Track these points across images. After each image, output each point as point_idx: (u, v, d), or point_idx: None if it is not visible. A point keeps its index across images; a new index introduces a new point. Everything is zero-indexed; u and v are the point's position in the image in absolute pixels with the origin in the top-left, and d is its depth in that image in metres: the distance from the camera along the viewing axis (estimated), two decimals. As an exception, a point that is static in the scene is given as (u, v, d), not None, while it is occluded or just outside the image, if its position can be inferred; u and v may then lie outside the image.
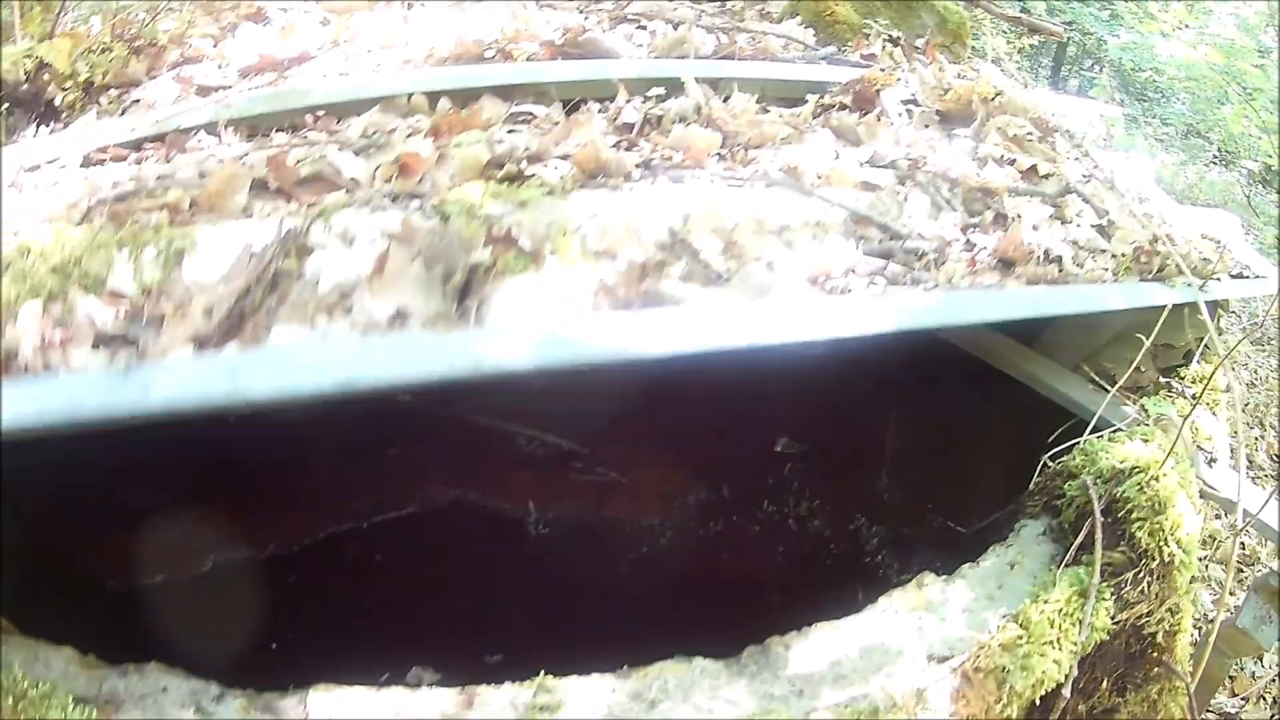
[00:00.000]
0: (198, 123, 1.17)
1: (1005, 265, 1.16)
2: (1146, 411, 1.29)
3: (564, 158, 0.99)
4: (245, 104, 1.19)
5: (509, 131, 1.19)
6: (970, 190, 1.33)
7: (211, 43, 1.51)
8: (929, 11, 2.14)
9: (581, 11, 1.72)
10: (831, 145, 1.30)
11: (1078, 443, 1.19)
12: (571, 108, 1.35)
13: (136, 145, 1.17)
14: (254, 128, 1.21)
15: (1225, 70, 7.60)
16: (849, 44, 1.90)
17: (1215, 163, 10.20)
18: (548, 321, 0.73)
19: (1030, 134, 1.63)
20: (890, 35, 2.01)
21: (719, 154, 1.18)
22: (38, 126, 1.37)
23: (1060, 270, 1.20)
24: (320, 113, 1.23)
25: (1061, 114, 2.13)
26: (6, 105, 1.37)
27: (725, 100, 1.41)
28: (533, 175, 0.93)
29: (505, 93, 1.31)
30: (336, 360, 0.66)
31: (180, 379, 0.65)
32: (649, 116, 1.27)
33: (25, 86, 1.41)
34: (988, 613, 0.95)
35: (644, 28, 1.77)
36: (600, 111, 1.29)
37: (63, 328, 0.66)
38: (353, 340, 0.68)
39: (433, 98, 1.27)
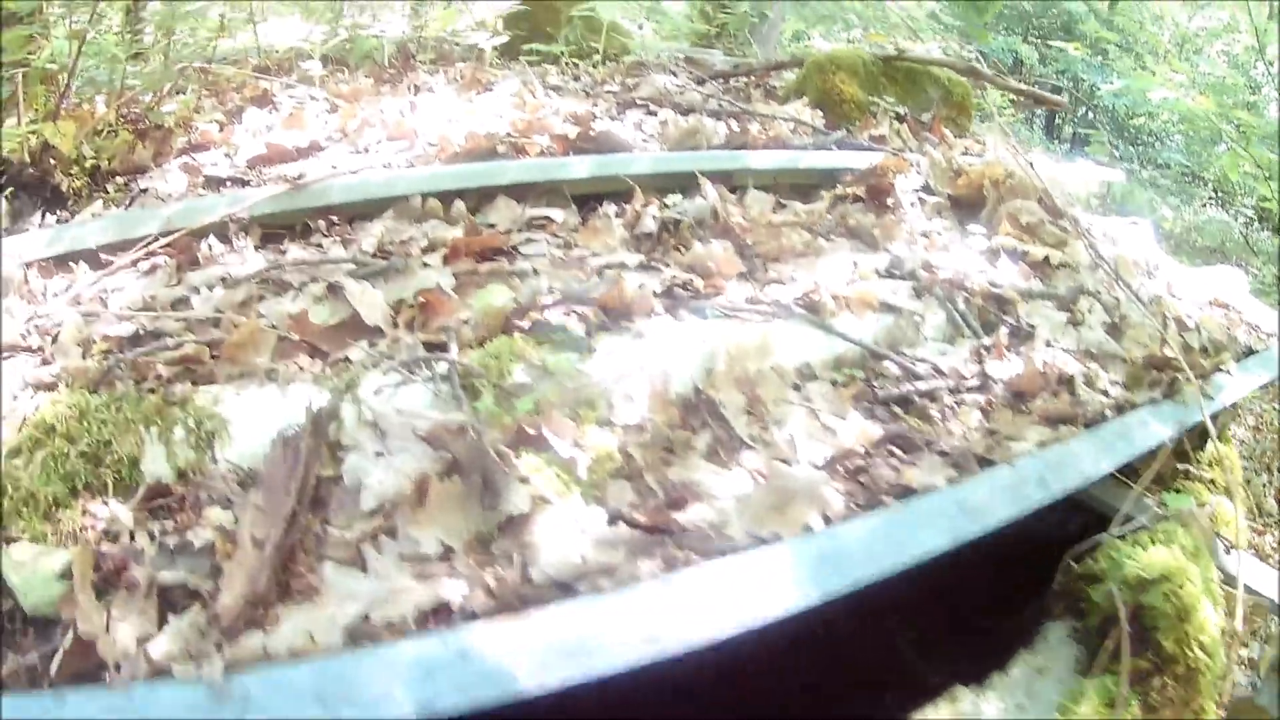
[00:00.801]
0: (209, 221, 1.13)
1: (1018, 399, 1.16)
2: (1166, 505, 1.29)
3: (589, 300, 0.97)
4: (257, 204, 1.15)
5: (527, 239, 1.17)
6: (986, 298, 1.32)
7: (218, 127, 1.47)
8: (934, 84, 2.14)
9: (590, 96, 1.70)
10: (848, 257, 1.28)
11: (1099, 541, 1.18)
12: (587, 204, 1.33)
13: (146, 245, 1.13)
14: (267, 227, 1.18)
15: (1218, 112, 7.71)
16: (857, 123, 1.89)
17: (1211, 203, 10.35)
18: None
19: (1040, 220, 1.63)
20: (897, 113, 2.01)
21: (740, 273, 1.16)
22: (43, 213, 1.33)
23: (1072, 396, 1.20)
24: (334, 216, 1.20)
25: (1065, 183, 2.15)
26: (10, 189, 1.33)
27: (740, 197, 1.39)
28: (559, 330, 0.91)
29: (520, 191, 1.28)
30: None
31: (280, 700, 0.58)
32: (666, 222, 1.25)
33: (30, 170, 1.36)
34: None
35: (653, 113, 1.75)
36: (617, 215, 1.27)
37: (126, 598, 0.61)
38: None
39: (447, 198, 1.24)
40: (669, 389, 0.92)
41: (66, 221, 1.29)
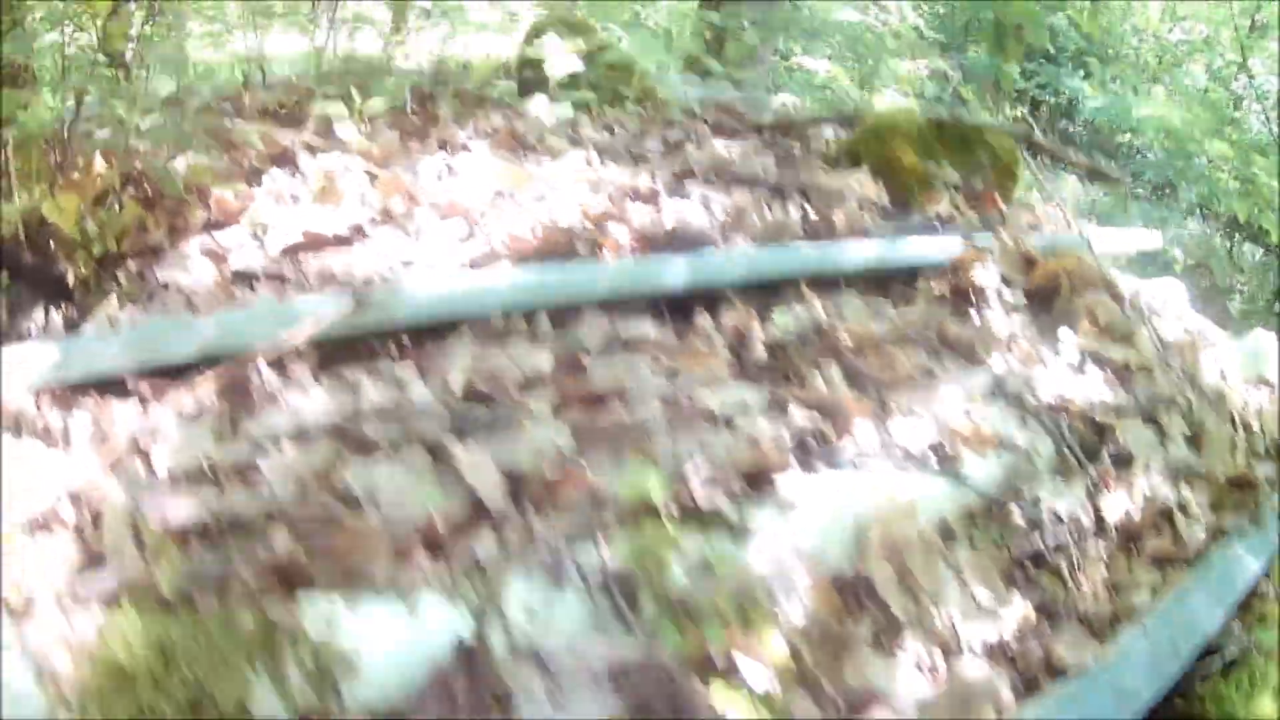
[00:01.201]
0: (253, 341, 0.99)
1: (1129, 540, 1.13)
2: (1259, 641, 1.29)
3: (731, 468, 0.88)
4: (311, 323, 1.00)
5: (628, 368, 1.07)
6: (1085, 421, 1.29)
7: (232, 195, 1.30)
8: (984, 148, 2.09)
9: (636, 158, 1.60)
10: (955, 379, 1.23)
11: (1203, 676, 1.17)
12: (677, 309, 1.23)
13: (178, 371, 0.97)
14: (321, 344, 1.04)
15: (1203, 128, 7.98)
16: (918, 195, 1.83)
17: (1193, 215, 10.67)
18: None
19: (1113, 315, 1.60)
20: (953, 184, 1.96)
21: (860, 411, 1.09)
22: (46, 309, 1.14)
23: (1174, 530, 1.18)
24: (404, 336, 1.07)
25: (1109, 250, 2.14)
26: (6, 280, 1.15)
27: (834, 299, 1.32)
28: (710, 511, 0.82)
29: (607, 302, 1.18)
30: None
31: None
32: (772, 344, 1.17)
33: (27, 255, 1.17)
34: None
35: (712, 182, 1.65)
36: (716, 329, 1.18)
37: None
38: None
39: (529, 312, 1.13)
40: (826, 571, 0.85)
41: (75, 322, 1.09)
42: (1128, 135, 8.70)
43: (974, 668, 0.84)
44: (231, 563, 0.73)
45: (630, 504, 0.81)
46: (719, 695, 0.68)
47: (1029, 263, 1.69)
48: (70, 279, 1.15)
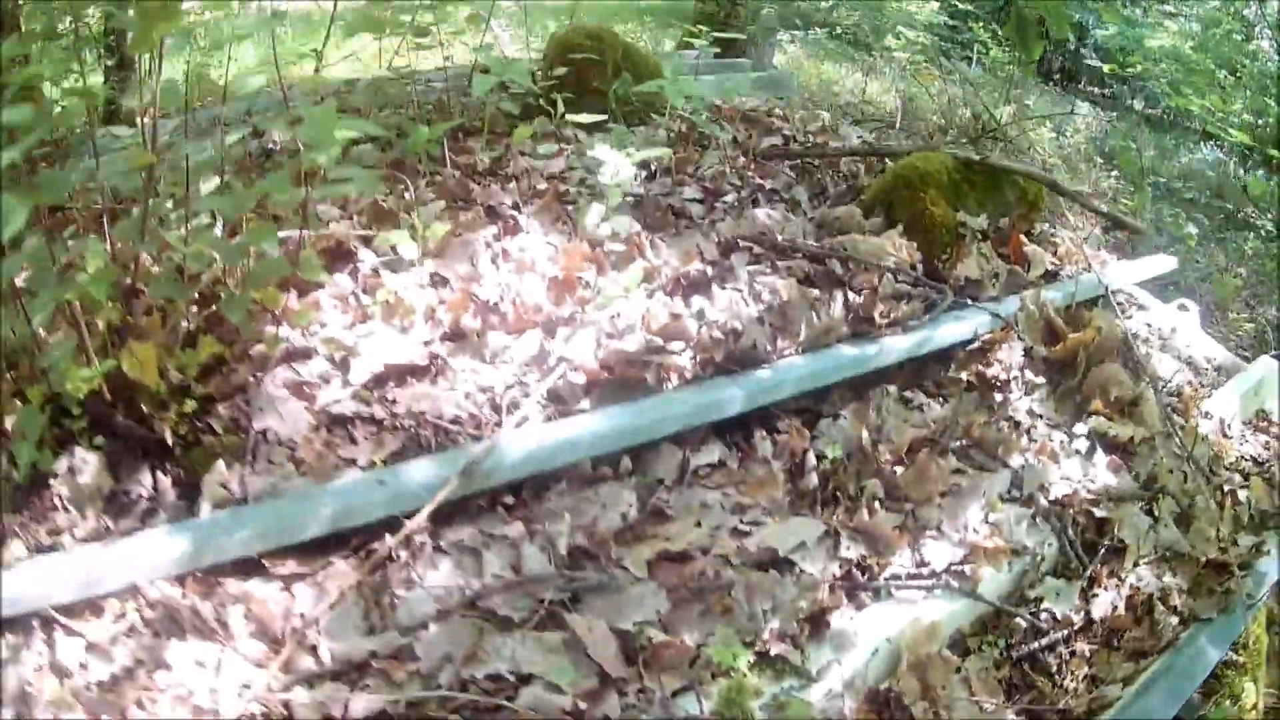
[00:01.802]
0: (374, 511, 1.18)
1: (1113, 635, 1.43)
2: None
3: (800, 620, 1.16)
4: (428, 497, 1.21)
5: (702, 504, 1.31)
6: (1087, 517, 1.57)
7: (297, 295, 1.46)
8: (1011, 187, 2.28)
9: (687, 224, 1.77)
10: (979, 485, 1.49)
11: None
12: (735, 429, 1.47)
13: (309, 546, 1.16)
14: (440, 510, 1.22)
15: (1214, 58, 8.03)
16: (949, 251, 2.04)
17: (1201, 142, 10.76)
18: None
19: (1125, 394, 1.85)
20: (979, 229, 2.15)
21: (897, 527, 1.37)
22: (154, 474, 1.26)
23: (1152, 621, 1.48)
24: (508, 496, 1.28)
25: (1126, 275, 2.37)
26: (102, 445, 1.22)
27: (875, 404, 1.57)
28: (781, 659, 1.10)
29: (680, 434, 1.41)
30: None
31: None
32: (822, 472, 1.43)
33: (118, 416, 1.28)
34: None
35: (757, 258, 1.85)
36: (775, 457, 1.44)
37: None
38: None
39: (614, 456, 1.35)
40: (865, 688, 1.15)
41: (182, 481, 1.26)
42: (1138, 65, 8.73)
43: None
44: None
45: (720, 662, 1.09)
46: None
47: (1051, 333, 1.93)
48: (169, 437, 1.27)
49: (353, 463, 1.29)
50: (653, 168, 2.29)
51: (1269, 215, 7.59)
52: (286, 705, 1.00)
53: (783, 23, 5.71)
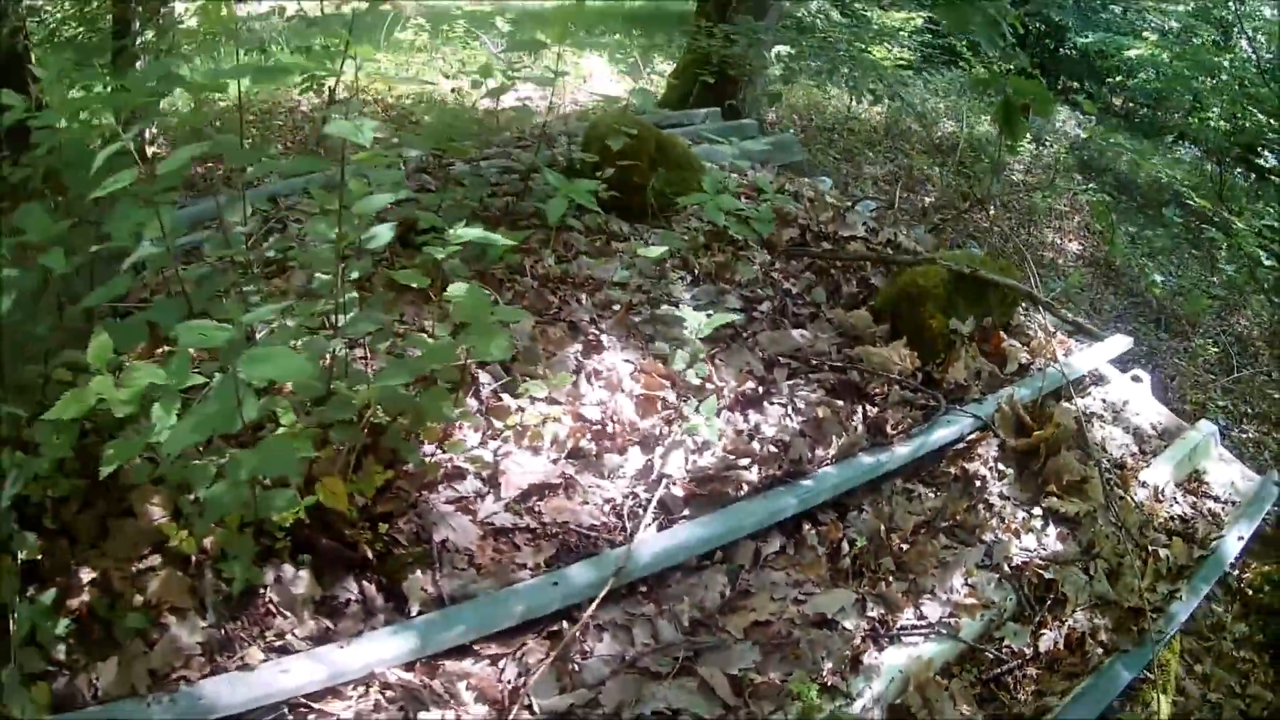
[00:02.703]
0: (550, 604, 1.89)
1: (1054, 662, 2.25)
2: None
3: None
4: (585, 582, 1.95)
5: (771, 584, 2.10)
6: (1038, 578, 2.38)
7: (461, 452, 2.16)
8: (994, 291, 3.08)
9: (736, 339, 2.53)
10: (960, 558, 2.30)
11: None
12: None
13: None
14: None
15: (1192, 65, 9.13)
16: (943, 357, 2.84)
17: (1180, 141, 11.90)
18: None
19: (1075, 476, 2.67)
20: (966, 333, 2.96)
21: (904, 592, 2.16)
22: (359, 582, 1.91)
23: (1083, 652, 2.30)
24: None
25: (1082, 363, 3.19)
26: (308, 559, 1.93)
27: (886, 498, 2.36)
28: (837, 689, 1.88)
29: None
30: None
31: None
32: (852, 554, 2.21)
33: (324, 540, 1.93)
34: None
35: (794, 373, 2.63)
36: (820, 544, 2.22)
37: None
38: None
39: (710, 552, 2.12)
40: (887, 703, 1.94)
41: (385, 586, 1.90)
42: (1119, 74, 9.81)
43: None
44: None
45: (797, 692, 1.86)
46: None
47: (1020, 426, 2.75)
48: (368, 552, 1.95)
49: (523, 566, 2.03)
50: (696, 272, 3.05)
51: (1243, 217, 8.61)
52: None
53: (776, 39, 6.47)
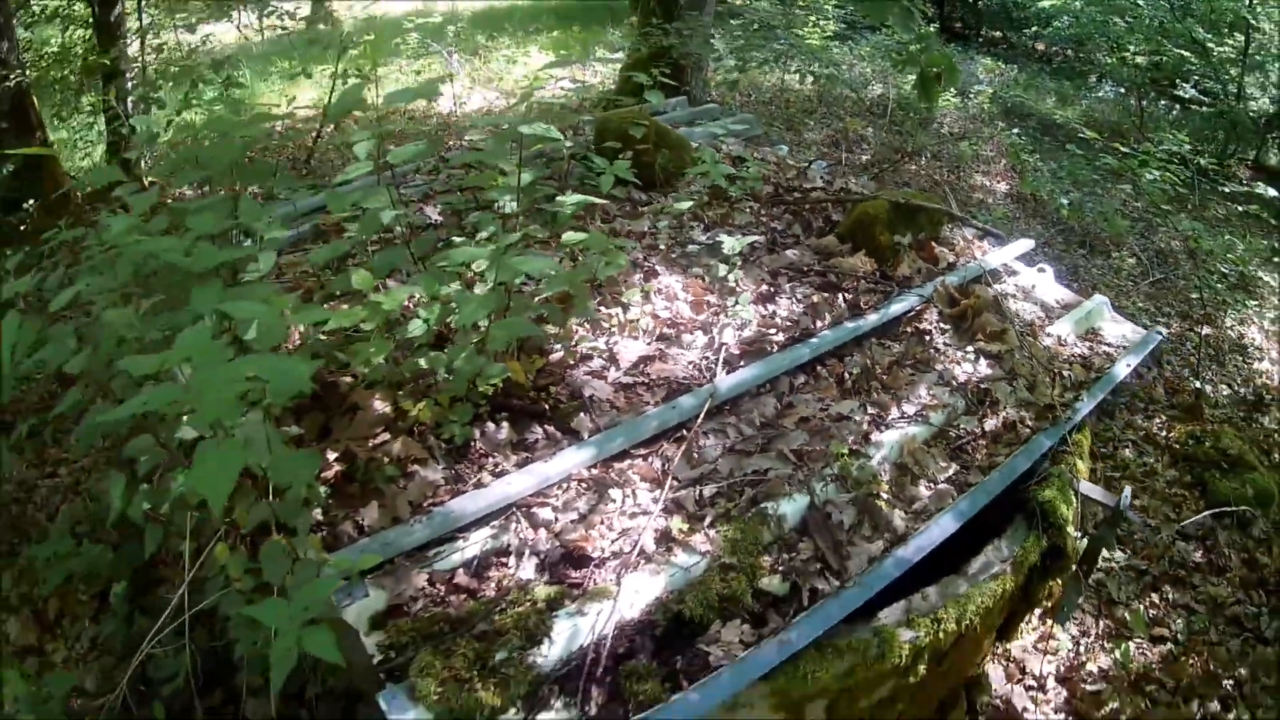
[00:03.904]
0: (671, 422, 3.51)
1: (995, 440, 3.91)
2: (1058, 470, 4.15)
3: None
4: (697, 410, 3.55)
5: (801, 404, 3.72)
6: (976, 389, 4.05)
7: (587, 344, 3.76)
8: (925, 216, 4.78)
9: (749, 263, 4.17)
10: (923, 379, 3.94)
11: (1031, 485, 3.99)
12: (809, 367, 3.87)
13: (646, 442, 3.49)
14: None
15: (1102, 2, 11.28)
16: (891, 261, 4.51)
17: (1101, 80, 14.18)
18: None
19: (996, 328, 4.36)
20: (906, 243, 4.64)
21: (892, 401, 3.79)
22: (543, 427, 3.53)
23: (1014, 433, 3.96)
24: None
25: (1007, 283, 4.94)
26: (504, 415, 3.55)
27: (870, 346, 4.00)
28: (855, 453, 3.47)
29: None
30: None
31: None
32: (853, 379, 3.83)
33: (515, 401, 3.58)
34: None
35: (791, 279, 4.26)
36: (829, 376, 3.84)
37: None
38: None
39: (762, 385, 3.74)
40: (895, 465, 3.55)
41: (558, 425, 3.54)
42: (1035, 23, 12.05)
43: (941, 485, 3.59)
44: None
45: (835, 453, 3.46)
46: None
47: (951, 300, 4.43)
48: (544, 407, 3.59)
49: (646, 404, 3.59)
50: (705, 222, 4.67)
51: (1166, 146, 10.67)
52: (675, 502, 3.32)
53: (716, 23, 8.15)
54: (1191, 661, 5.24)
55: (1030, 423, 4.04)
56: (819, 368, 3.88)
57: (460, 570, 2.97)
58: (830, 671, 3.08)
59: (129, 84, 5.96)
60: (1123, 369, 4.66)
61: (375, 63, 3.37)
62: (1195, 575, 5.84)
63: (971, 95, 11.36)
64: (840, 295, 4.25)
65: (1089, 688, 5.03)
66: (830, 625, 2.95)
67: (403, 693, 2.59)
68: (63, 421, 5.41)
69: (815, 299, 4.13)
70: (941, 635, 3.31)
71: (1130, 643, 5.23)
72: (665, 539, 3.07)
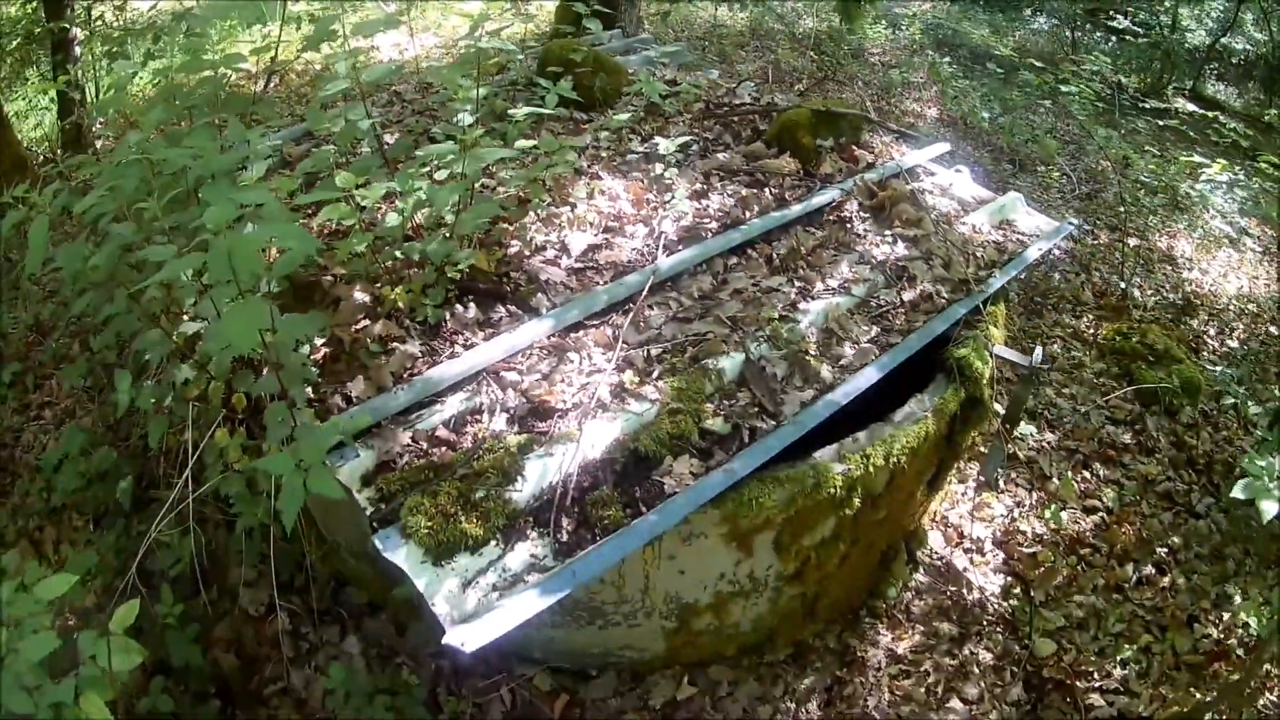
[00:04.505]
0: (619, 297, 4.15)
1: (914, 306, 4.60)
2: (973, 333, 4.86)
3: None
4: (637, 289, 4.19)
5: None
6: (895, 266, 4.74)
7: (537, 236, 4.40)
8: (845, 120, 5.45)
9: (684, 166, 4.83)
10: (845, 258, 4.63)
11: (950, 346, 4.69)
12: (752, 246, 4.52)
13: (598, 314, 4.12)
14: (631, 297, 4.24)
15: None
16: (813, 161, 5.18)
17: (1036, 13, 15.04)
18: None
19: (912, 213, 5.06)
20: (829, 146, 5.32)
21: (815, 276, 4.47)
22: (505, 306, 4.16)
23: (932, 303, 4.66)
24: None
25: (927, 179, 5.66)
26: (470, 298, 4.17)
27: (796, 233, 4.68)
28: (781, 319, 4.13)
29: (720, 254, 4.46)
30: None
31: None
32: (780, 259, 4.50)
33: (478, 285, 4.20)
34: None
35: (723, 177, 4.90)
36: (757, 255, 4.50)
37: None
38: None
39: (700, 264, 4.39)
40: (822, 330, 4.22)
41: (520, 305, 4.19)
42: None
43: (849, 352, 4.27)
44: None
45: (767, 317, 4.12)
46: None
47: (870, 193, 5.11)
48: (506, 290, 4.22)
49: (597, 283, 4.21)
50: (642, 135, 5.30)
51: (1087, 67, 11.49)
52: (626, 360, 3.96)
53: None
54: (1124, 530, 6.03)
55: (946, 295, 4.71)
56: (749, 251, 4.52)
57: (440, 428, 3.56)
58: (772, 498, 3.75)
59: (76, 50, 6.39)
60: (1034, 252, 5.38)
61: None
62: (1125, 455, 6.64)
63: (903, 27, 12.12)
64: (767, 191, 4.89)
65: (1025, 550, 5.81)
66: (770, 456, 3.59)
67: (395, 532, 3.17)
68: (43, 369, 5.91)
69: (744, 194, 4.76)
70: (871, 470, 4.00)
71: (1063, 513, 6.00)
72: (619, 391, 3.69)
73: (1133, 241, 8.64)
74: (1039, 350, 4.71)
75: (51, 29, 6.76)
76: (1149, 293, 8.28)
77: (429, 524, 3.17)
